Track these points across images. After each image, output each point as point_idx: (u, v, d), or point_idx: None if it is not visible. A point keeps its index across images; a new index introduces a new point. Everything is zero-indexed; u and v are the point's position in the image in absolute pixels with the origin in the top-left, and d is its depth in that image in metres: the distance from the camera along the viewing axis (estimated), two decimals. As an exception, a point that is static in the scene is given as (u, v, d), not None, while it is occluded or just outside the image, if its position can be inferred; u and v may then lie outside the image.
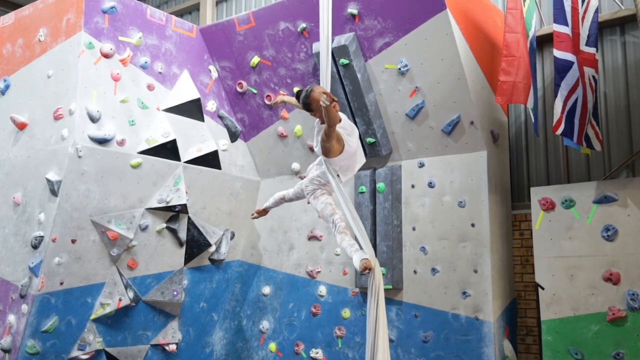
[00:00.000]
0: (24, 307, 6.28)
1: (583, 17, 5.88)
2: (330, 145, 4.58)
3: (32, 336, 6.28)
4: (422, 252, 6.61)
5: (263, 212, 5.89)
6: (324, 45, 5.07)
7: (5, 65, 7.27)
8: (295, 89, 4.97)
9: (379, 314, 4.55)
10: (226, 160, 7.68)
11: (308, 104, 4.73)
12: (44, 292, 6.28)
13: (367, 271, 4.53)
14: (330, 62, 5.01)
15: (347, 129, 4.74)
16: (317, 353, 7.11)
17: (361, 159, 4.97)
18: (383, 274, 6.63)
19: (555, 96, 5.70)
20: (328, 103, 4.26)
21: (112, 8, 6.71)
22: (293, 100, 5.44)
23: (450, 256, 6.42)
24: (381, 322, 4.54)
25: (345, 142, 4.66)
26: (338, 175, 4.83)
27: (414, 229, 6.70)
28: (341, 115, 4.77)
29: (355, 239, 4.80)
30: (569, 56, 5.69)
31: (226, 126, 7.80)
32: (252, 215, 5.96)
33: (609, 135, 6.59)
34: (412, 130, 6.73)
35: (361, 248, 4.68)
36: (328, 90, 4.95)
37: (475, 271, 6.25)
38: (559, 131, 5.62)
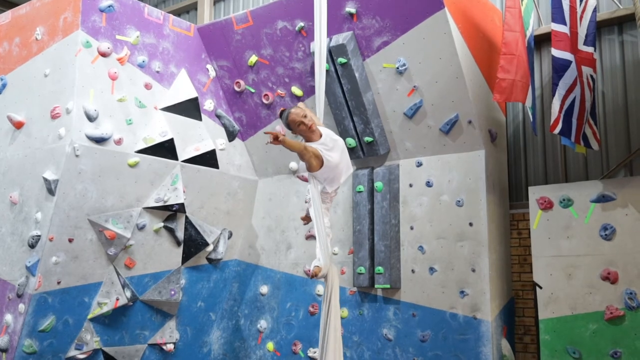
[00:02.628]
0: (21, 307, 6.26)
1: (581, 17, 5.88)
2: (308, 164, 4.85)
3: (29, 335, 6.26)
4: (420, 251, 6.60)
5: (307, 219, 6.00)
6: (317, 51, 5.19)
7: (1, 64, 7.25)
8: (281, 109, 5.19)
9: (331, 318, 4.85)
10: (224, 160, 7.67)
11: (287, 125, 5.00)
12: (41, 292, 6.26)
13: (316, 277, 4.86)
14: (324, 65, 5.16)
15: (327, 144, 4.93)
16: (314, 352, 7.10)
17: (347, 170, 5.17)
18: (380, 273, 6.64)
19: (553, 95, 5.70)
20: (270, 141, 4.62)
21: (109, 7, 6.69)
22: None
23: (448, 255, 6.42)
24: (332, 326, 4.84)
25: (324, 158, 4.85)
26: (324, 187, 5.09)
27: (411, 228, 6.69)
28: (323, 130, 5.00)
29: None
30: (567, 55, 5.69)
31: (224, 125, 7.79)
32: (304, 222, 6.11)
33: (606, 134, 6.59)
34: (410, 130, 6.72)
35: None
36: (322, 92, 5.19)
37: (473, 270, 6.25)
38: (557, 130, 5.62)
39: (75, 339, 6.57)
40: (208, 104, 7.62)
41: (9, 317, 6.35)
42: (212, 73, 7.74)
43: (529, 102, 5.79)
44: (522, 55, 5.67)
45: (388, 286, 6.61)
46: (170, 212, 7.11)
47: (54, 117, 6.51)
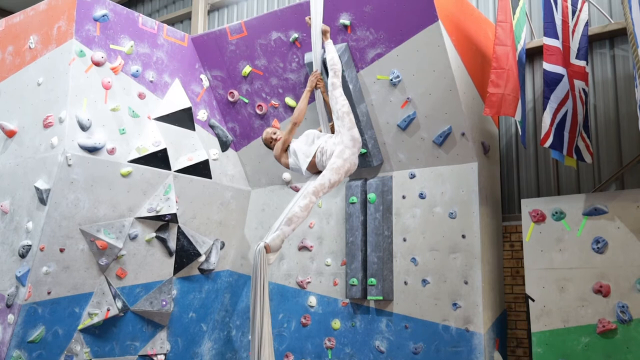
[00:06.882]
0: (10, 317, 6.20)
1: (573, 31, 5.93)
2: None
3: (18, 346, 6.20)
4: (412, 263, 6.60)
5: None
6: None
7: (-6, 72, 7.23)
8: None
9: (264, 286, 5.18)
10: (217, 170, 7.66)
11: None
12: (30, 302, 6.20)
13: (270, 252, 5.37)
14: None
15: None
16: (306, 364, 7.07)
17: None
18: (373, 285, 6.63)
19: (544, 109, 5.73)
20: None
21: (103, 16, 6.69)
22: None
23: (440, 267, 6.42)
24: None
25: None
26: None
27: (404, 239, 6.69)
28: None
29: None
30: (559, 69, 5.72)
31: (217, 135, 7.79)
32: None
33: (598, 147, 6.63)
34: (404, 141, 6.74)
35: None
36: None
37: (466, 282, 6.24)
38: (547, 144, 5.64)
39: (65, 350, 6.51)
40: (201, 114, 7.62)
41: (-2, 328, 6.30)
42: (206, 83, 7.74)
43: (518, 116, 5.81)
44: (512, 69, 5.70)
45: (380, 298, 6.60)
46: (163, 222, 7.08)
47: (47, 126, 6.48)
